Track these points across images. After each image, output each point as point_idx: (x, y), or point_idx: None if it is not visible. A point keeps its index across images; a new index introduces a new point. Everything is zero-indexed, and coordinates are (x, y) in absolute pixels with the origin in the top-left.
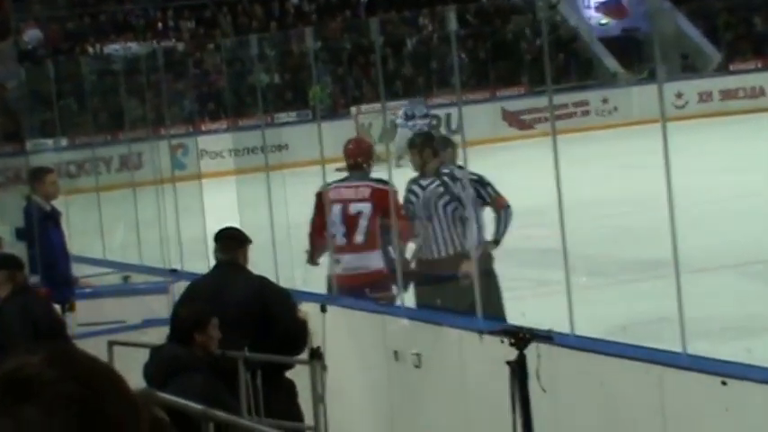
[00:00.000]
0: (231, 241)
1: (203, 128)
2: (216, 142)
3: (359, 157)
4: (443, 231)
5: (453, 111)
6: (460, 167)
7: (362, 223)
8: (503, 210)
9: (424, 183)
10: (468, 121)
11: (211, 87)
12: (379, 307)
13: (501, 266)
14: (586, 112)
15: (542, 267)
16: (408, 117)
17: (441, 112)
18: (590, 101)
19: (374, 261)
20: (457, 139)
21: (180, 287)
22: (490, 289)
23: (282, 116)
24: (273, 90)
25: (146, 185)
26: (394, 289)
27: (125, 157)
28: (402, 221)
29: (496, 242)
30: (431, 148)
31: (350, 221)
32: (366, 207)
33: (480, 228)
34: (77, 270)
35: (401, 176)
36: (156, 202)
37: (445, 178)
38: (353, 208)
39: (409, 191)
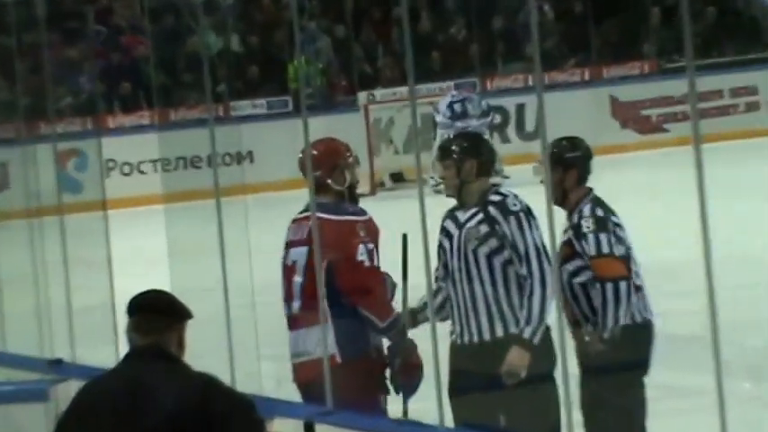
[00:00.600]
0: (155, 316)
1: (111, 124)
2: (132, 148)
3: (319, 170)
4: (486, 298)
5: (530, 100)
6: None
7: (296, 280)
8: (609, 284)
9: (462, 217)
10: (555, 119)
11: (126, 57)
12: (400, 428)
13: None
14: (754, 106)
15: (676, 365)
16: (456, 112)
17: (508, 102)
18: (759, 87)
19: (311, 343)
20: (534, 147)
21: (67, 390)
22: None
23: (244, 106)
24: (230, 62)
25: (12, 218)
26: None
27: None
28: (361, 277)
29: (601, 339)
30: (476, 159)
31: (288, 277)
32: (301, 254)
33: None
34: None
35: (443, 206)
36: (30, 245)
37: (492, 209)
38: (291, 255)
39: (443, 230)
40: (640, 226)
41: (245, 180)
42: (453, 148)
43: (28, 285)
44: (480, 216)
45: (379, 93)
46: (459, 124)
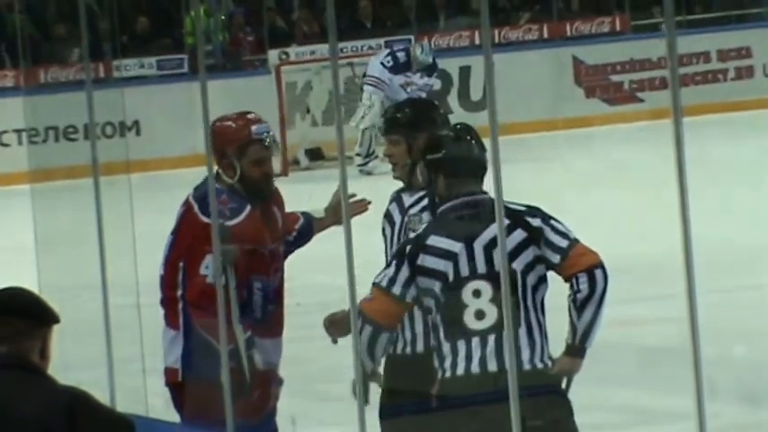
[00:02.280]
0: (13, 319)
1: None
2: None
3: (212, 154)
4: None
5: (476, 62)
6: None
7: (159, 273)
8: (590, 272)
9: (408, 201)
10: (507, 85)
11: None
12: None
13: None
14: (746, 72)
15: (650, 384)
16: (399, 62)
17: (451, 64)
18: (752, 49)
19: (170, 352)
20: (481, 118)
21: None
22: None
23: (130, 65)
24: (113, 12)
25: None
26: None
27: None
28: (197, 291)
29: (579, 349)
30: (425, 132)
31: None
32: (166, 244)
33: (536, 323)
34: None
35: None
36: None
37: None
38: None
39: (386, 215)
40: (610, 216)
41: (130, 156)
42: (401, 118)
43: None
44: (425, 202)
45: (293, 51)
46: (399, 80)
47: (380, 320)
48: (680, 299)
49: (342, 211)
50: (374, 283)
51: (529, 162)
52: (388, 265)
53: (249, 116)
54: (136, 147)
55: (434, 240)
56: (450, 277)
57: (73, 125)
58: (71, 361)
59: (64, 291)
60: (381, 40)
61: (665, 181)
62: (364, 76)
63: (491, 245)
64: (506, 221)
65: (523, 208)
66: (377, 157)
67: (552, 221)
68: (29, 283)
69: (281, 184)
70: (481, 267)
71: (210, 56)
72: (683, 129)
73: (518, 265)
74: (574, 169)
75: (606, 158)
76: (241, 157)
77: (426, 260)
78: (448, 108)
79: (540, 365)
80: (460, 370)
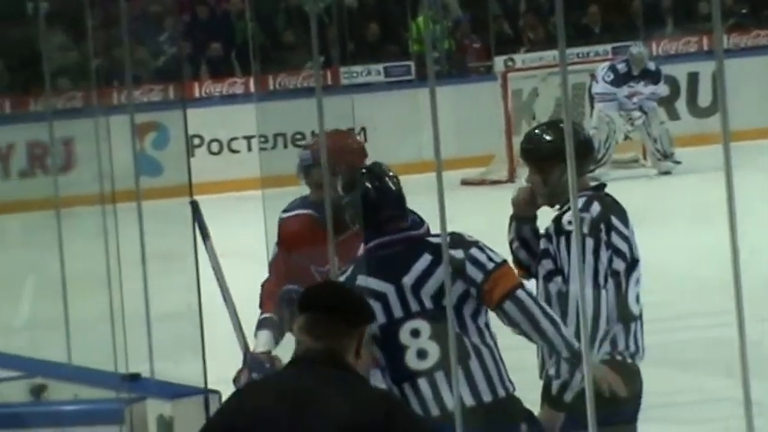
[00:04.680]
0: (333, 316)
1: (197, 92)
2: (223, 122)
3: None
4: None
5: (704, 68)
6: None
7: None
8: (512, 295)
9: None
10: (736, 91)
11: (215, 11)
12: None
13: None
14: None
15: None
16: (619, 74)
17: (679, 71)
18: None
19: None
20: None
21: (143, 411)
22: None
23: (357, 72)
24: (342, 19)
25: (78, 205)
26: None
27: (36, 147)
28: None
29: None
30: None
31: None
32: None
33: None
34: None
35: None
36: (104, 236)
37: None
38: None
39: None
40: None
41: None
42: (533, 148)
43: (98, 285)
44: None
45: (520, 58)
46: (623, 92)
47: None
48: None
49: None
50: None
51: (756, 170)
52: None
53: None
54: None
55: (362, 281)
56: (383, 319)
57: (301, 132)
58: None
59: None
60: (608, 46)
61: None
62: (589, 91)
63: (418, 283)
64: (429, 258)
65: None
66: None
67: (473, 250)
68: (257, 287)
69: (506, 191)
70: (414, 306)
71: (436, 63)
72: None
73: (446, 301)
74: None
75: None
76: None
77: None
78: (675, 114)
79: (502, 393)
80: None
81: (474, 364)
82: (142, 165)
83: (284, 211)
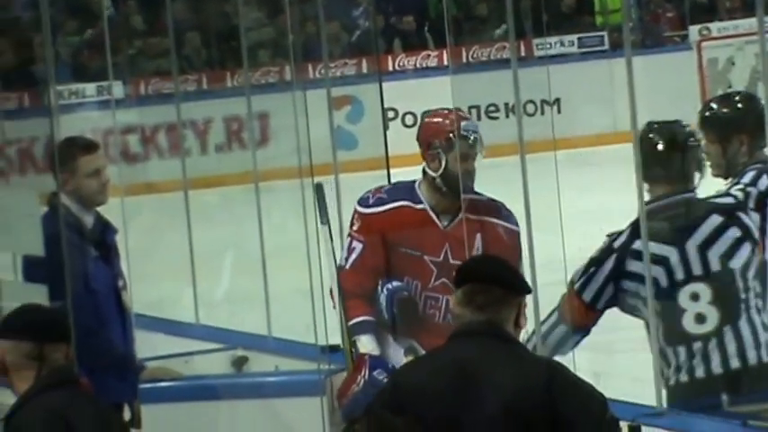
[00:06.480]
0: (492, 287)
1: (391, 66)
2: (417, 95)
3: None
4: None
5: None
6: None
7: None
8: None
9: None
10: None
11: None
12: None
13: None
14: None
15: None
16: None
17: None
18: None
19: None
20: None
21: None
22: None
23: (551, 43)
24: None
25: (278, 179)
26: None
27: (233, 122)
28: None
29: None
30: (745, 134)
31: None
32: None
33: None
34: (143, 345)
35: None
36: (302, 209)
37: (737, 193)
38: None
39: None
40: None
41: (550, 133)
42: (713, 117)
43: (297, 259)
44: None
45: (715, 26)
46: None
47: (570, 321)
48: None
49: None
50: (570, 282)
51: None
52: (586, 268)
53: (459, 112)
54: (557, 124)
55: (640, 245)
56: (664, 282)
57: (494, 103)
58: None
59: None
60: None
61: None
62: None
63: (704, 246)
64: (719, 219)
65: (732, 200)
66: None
67: (751, 214)
68: None
69: None
70: (697, 269)
71: (631, 32)
72: None
73: (735, 263)
74: None
75: None
76: (448, 151)
77: (633, 265)
78: None
79: (766, 358)
80: (685, 377)
81: (746, 330)
82: (337, 138)
83: (368, 205)
